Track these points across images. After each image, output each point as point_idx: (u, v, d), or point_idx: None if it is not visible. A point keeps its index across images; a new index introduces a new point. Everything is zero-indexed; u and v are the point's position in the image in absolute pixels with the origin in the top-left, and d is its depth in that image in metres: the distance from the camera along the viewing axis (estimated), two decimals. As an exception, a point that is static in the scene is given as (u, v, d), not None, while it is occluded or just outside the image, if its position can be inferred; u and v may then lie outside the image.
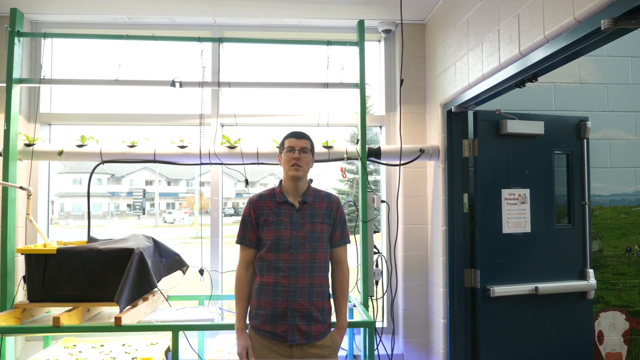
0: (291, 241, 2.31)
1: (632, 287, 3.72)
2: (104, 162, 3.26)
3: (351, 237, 2.78)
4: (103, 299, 2.76)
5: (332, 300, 2.47)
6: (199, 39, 3.24)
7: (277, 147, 3.00)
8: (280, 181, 2.49)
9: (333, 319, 2.45)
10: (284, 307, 2.26)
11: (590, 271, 3.32)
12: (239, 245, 2.44)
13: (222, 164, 3.34)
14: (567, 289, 3.26)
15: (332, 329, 2.42)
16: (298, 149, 2.37)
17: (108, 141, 3.31)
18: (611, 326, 3.70)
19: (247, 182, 3.36)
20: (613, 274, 3.71)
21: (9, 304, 2.92)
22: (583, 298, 3.33)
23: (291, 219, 2.35)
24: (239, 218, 2.46)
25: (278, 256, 2.30)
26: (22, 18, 3.16)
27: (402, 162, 3.40)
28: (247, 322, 2.41)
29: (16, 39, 3.08)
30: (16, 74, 3.09)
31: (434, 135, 3.49)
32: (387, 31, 3.76)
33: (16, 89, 3.10)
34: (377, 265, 3.34)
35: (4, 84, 3.07)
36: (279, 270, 2.29)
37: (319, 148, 3.33)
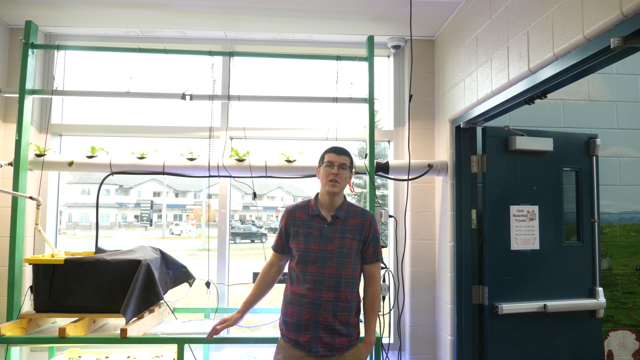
0: (319, 254, 2.33)
1: (642, 306, 3.67)
2: (113, 173, 3.28)
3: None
4: (109, 310, 2.77)
5: (361, 315, 2.47)
6: (210, 53, 3.27)
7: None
8: (317, 194, 2.51)
9: (362, 334, 2.45)
10: (308, 318, 2.29)
11: (600, 289, 3.28)
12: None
13: (230, 176, 3.35)
14: (576, 307, 3.22)
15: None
16: (337, 165, 2.40)
17: (118, 152, 3.34)
18: (621, 346, 3.65)
19: (254, 195, 3.36)
20: (623, 293, 3.67)
21: (15, 314, 2.92)
22: (592, 317, 3.29)
23: (321, 232, 2.37)
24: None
25: (306, 268, 2.33)
26: (37, 30, 3.21)
27: (410, 177, 3.39)
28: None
29: (30, 51, 3.13)
30: (29, 85, 3.13)
31: (443, 151, 3.49)
32: (396, 47, 3.78)
33: (29, 100, 3.14)
34: (384, 281, 3.32)
35: (17, 95, 3.11)
36: (306, 282, 2.32)
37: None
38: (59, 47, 3.28)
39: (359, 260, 2.43)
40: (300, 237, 2.38)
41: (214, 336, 2.81)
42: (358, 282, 2.45)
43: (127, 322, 2.66)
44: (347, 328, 2.33)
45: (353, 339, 2.36)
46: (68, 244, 3.64)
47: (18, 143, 3.07)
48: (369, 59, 3.22)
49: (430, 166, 3.38)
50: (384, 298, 3.32)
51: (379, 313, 2.66)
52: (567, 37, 2.00)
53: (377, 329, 3.11)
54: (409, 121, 3.59)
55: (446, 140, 3.41)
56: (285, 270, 2.52)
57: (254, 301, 2.51)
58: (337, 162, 2.40)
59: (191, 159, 3.31)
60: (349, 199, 2.54)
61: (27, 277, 3.22)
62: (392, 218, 3.61)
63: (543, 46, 2.19)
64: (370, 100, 3.19)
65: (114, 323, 3.08)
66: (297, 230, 2.40)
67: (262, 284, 2.52)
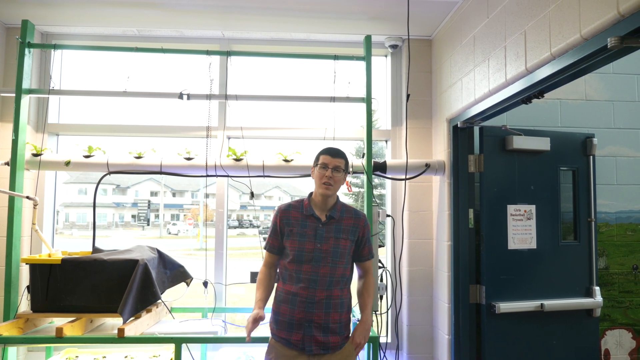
0: (314, 254, 2.34)
1: (638, 305, 3.68)
2: (110, 172, 3.27)
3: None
4: (107, 309, 2.76)
5: (351, 313, 2.50)
6: (207, 52, 3.26)
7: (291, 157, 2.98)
8: (310, 194, 2.52)
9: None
10: (301, 317, 2.30)
11: (597, 288, 3.29)
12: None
13: (228, 176, 3.35)
14: (573, 306, 3.23)
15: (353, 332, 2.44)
16: (331, 167, 2.39)
17: (115, 152, 3.33)
18: (618, 344, 3.66)
19: (252, 194, 3.36)
20: (619, 292, 3.68)
21: (12, 314, 2.92)
22: (589, 316, 3.30)
23: (316, 232, 2.38)
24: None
25: (300, 267, 2.34)
26: (33, 29, 3.20)
27: (407, 177, 3.39)
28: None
29: (26, 50, 3.12)
30: (26, 85, 3.12)
31: (440, 150, 3.49)
32: (394, 46, 3.78)
33: (25, 99, 3.13)
34: (381, 280, 3.33)
35: (14, 94, 3.10)
36: (300, 281, 2.33)
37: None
38: (55, 47, 3.27)
39: (350, 259, 2.46)
40: (294, 237, 2.38)
41: (212, 337, 2.82)
42: (349, 280, 2.48)
43: (124, 322, 2.65)
44: (340, 326, 2.35)
45: (345, 337, 2.39)
46: (65, 243, 3.63)
47: (15, 142, 3.06)
48: (367, 58, 3.22)
49: (427, 166, 3.39)
50: (381, 297, 3.33)
51: (376, 312, 2.68)
52: (564, 37, 2.00)
53: (375, 329, 3.11)
54: (407, 121, 3.59)
55: (443, 140, 3.41)
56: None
57: (267, 297, 2.50)
58: (331, 164, 2.39)
59: (188, 159, 3.30)
60: (347, 198, 2.54)
61: (24, 277, 3.21)
62: (390, 217, 3.61)
63: (540, 46, 2.19)
64: (367, 100, 3.19)
65: (112, 323, 3.08)
66: (292, 230, 2.40)
67: (266, 283, 2.50)
